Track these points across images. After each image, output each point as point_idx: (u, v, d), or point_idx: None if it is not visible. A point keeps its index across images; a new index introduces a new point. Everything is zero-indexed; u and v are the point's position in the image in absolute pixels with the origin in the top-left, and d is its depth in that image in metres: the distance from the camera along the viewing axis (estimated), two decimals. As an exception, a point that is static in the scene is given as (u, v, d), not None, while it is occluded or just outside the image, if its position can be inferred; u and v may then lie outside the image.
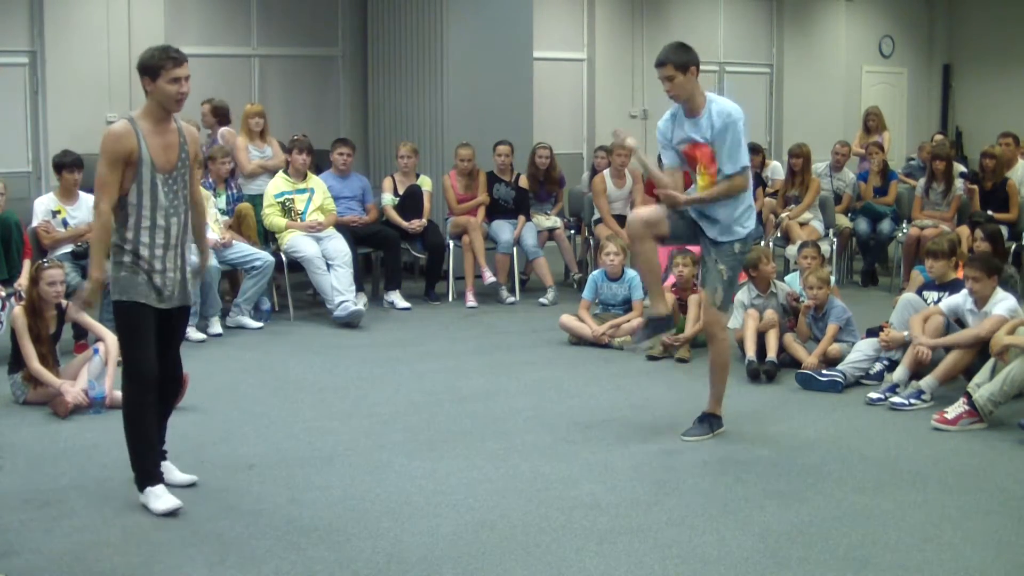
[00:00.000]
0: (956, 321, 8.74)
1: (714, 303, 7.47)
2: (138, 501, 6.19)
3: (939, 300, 9.05)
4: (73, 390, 8.04)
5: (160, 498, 6.10)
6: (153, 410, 6.28)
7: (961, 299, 8.69)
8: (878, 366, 8.94)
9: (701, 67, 7.36)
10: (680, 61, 7.20)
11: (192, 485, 6.48)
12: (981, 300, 8.49)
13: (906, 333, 8.80)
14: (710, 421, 7.63)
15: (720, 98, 7.40)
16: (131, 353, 6.17)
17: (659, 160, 7.98)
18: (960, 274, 9.63)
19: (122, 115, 12.63)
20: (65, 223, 10.49)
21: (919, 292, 9.43)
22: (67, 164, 10.55)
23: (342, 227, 12.03)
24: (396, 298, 12.32)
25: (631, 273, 10.72)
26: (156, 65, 6.04)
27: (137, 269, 6.08)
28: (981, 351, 8.27)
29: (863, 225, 13.78)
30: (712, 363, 7.69)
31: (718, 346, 7.59)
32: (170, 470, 6.49)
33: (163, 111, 6.13)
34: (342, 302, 11.24)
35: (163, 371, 6.29)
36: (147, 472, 6.21)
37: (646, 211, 7.62)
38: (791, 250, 12.00)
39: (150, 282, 6.11)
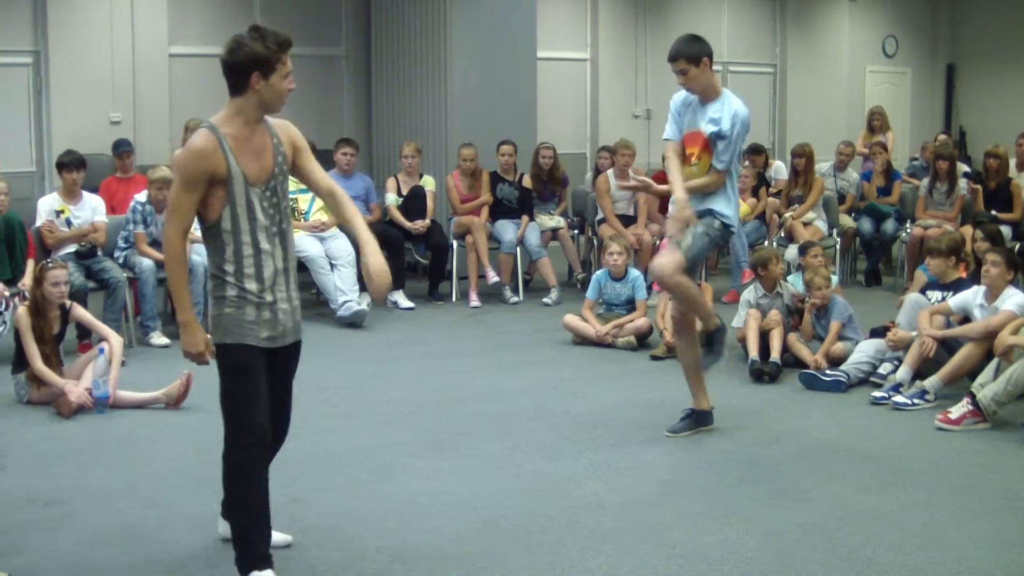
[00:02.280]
0: (961, 320, 8.74)
1: (679, 247, 7.25)
2: (140, 502, 6.19)
3: (943, 299, 9.05)
4: (77, 390, 8.05)
5: None
6: (265, 476, 5.29)
7: (971, 295, 8.68)
8: (888, 366, 8.91)
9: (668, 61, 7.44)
10: (692, 54, 7.25)
11: (287, 546, 5.60)
12: (993, 292, 8.47)
13: (914, 333, 8.78)
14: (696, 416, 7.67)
15: (735, 97, 7.42)
16: (239, 408, 5.11)
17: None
18: (964, 273, 9.64)
19: (191, 120, 12.66)
20: (69, 223, 10.50)
21: (923, 292, 9.43)
22: (69, 164, 10.56)
23: (345, 227, 12.02)
24: (400, 298, 12.32)
25: (635, 273, 10.73)
26: (271, 58, 5.11)
27: (244, 304, 5.08)
28: (986, 352, 8.26)
29: (867, 225, 13.78)
30: (688, 305, 7.54)
31: (686, 292, 7.39)
32: None
33: (260, 113, 5.13)
34: (345, 302, 11.24)
35: (279, 418, 5.45)
36: (256, 553, 5.15)
37: (669, 262, 7.31)
38: (791, 251, 11.99)
39: (259, 318, 5.12)
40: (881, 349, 9.05)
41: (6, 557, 5.33)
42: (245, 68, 5.04)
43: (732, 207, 7.41)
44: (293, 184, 11.77)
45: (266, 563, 5.12)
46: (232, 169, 4.97)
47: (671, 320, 7.78)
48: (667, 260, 7.27)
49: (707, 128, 7.27)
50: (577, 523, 5.98)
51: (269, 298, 5.13)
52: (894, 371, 8.80)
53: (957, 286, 9.15)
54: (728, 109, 7.27)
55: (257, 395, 5.13)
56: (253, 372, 5.12)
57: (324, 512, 6.14)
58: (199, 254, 10.70)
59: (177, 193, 4.97)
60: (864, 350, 9.09)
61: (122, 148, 12.46)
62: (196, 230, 10.66)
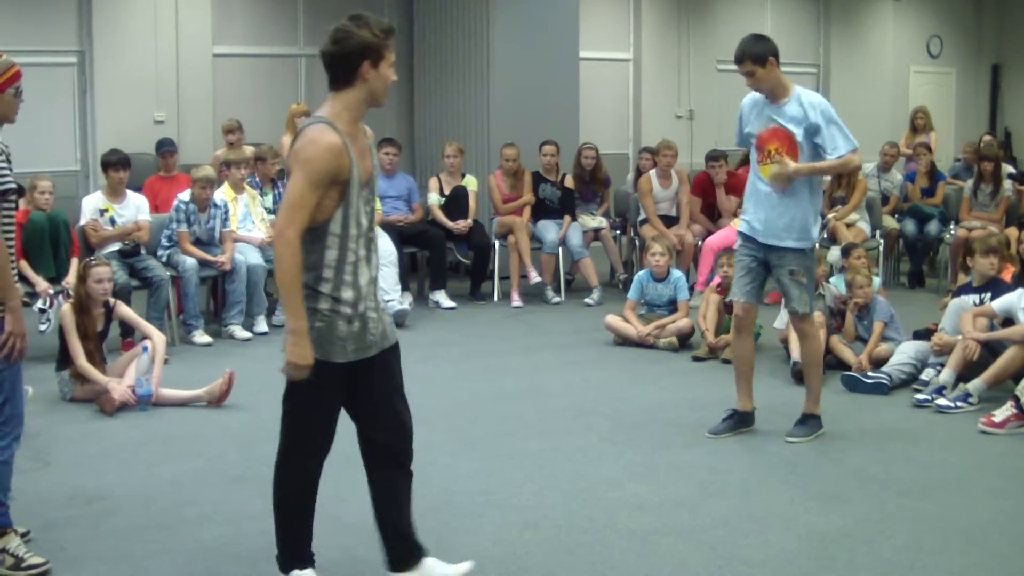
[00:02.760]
0: (1002, 323, 8.67)
1: (800, 310, 7.47)
2: (181, 500, 6.22)
3: (980, 302, 8.98)
4: (120, 387, 8.10)
5: None
6: (315, 482, 5.19)
7: (1015, 298, 8.61)
8: (931, 372, 8.84)
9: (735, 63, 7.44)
10: (757, 54, 7.28)
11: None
12: None
13: (959, 336, 8.72)
14: (810, 422, 7.63)
15: (807, 90, 7.47)
16: (301, 425, 5.07)
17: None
18: (1007, 275, 9.57)
19: (227, 121, 12.71)
20: (113, 221, 10.57)
21: (957, 295, 9.36)
22: (114, 163, 10.62)
23: (388, 226, 12.04)
24: (441, 297, 12.34)
25: (676, 274, 10.71)
26: (380, 46, 4.87)
27: (336, 318, 4.80)
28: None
29: (910, 226, 13.69)
30: (804, 361, 7.73)
31: (813, 344, 7.64)
32: (437, 566, 5.25)
33: (366, 107, 4.90)
34: (388, 301, 11.25)
35: (389, 434, 5.20)
36: (296, 553, 5.15)
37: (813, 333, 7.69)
38: (834, 252, 11.92)
39: (349, 332, 4.83)
40: (923, 351, 8.99)
41: (49, 553, 5.36)
42: (356, 57, 4.81)
43: (803, 226, 7.40)
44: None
45: (307, 563, 5.09)
46: (353, 170, 4.72)
47: (734, 317, 7.79)
48: (804, 322, 7.58)
49: (796, 131, 7.27)
50: (617, 524, 5.97)
51: (361, 308, 4.84)
52: (937, 376, 8.76)
53: (993, 287, 9.08)
54: (806, 101, 7.32)
55: (325, 414, 5.01)
56: (329, 390, 4.94)
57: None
58: (241, 253, 10.78)
59: (302, 190, 4.61)
60: (906, 351, 9.04)
61: (165, 148, 12.53)
62: (240, 229, 10.75)
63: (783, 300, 7.81)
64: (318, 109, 4.89)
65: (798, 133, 7.24)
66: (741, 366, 7.77)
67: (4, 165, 5.15)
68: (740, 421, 7.71)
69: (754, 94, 7.50)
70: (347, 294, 4.79)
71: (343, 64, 4.83)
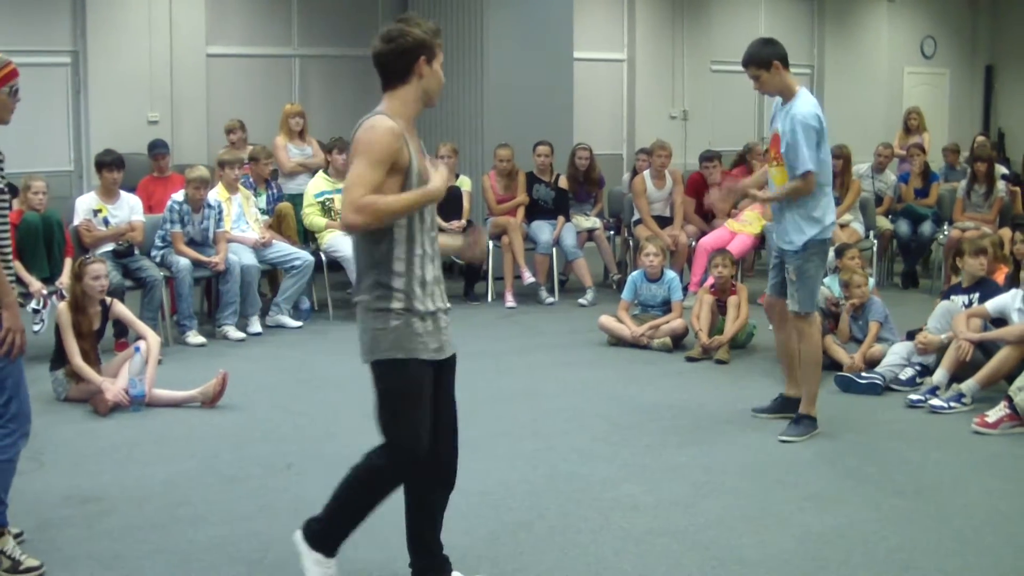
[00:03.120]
0: (995, 322, 8.69)
1: (794, 310, 7.53)
2: (176, 500, 6.22)
3: (969, 303, 9.01)
4: (114, 388, 8.09)
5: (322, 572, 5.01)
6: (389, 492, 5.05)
7: (1010, 299, 8.62)
8: (909, 371, 8.88)
9: (742, 67, 7.47)
10: (762, 58, 7.32)
11: None
12: None
13: (944, 336, 8.74)
14: (804, 422, 7.64)
15: (806, 97, 7.49)
16: (403, 425, 4.88)
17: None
18: (1000, 276, 9.58)
19: (230, 121, 12.73)
20: (106, 222, 10.55)
21: (947, 296, 9.38)
22: (108, 163, 10.61)
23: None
24: (435, 298, 12.31)
25: (670, 274, 10.72)
26: (433, 44, 4.92)
27: (411, 316, 4.74)
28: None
29: (904, 227, 13.71)
30: (802, 361, 7.73)
31: (808, 342, 7.63)
32: None
33: (421, 104, 4.99)
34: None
35: (443, 446, 5.12)
36: (335, 543, 5.07)
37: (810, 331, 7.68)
38: (831, 258, 11.92)
39: (425, 330, 4.79)
40: (912, 352, 9.01)
41: (43, 553, 5.35)
42: (412, 54, 4.86)
43: (793, 227, 7.45)
44: (330, 184, 11.91)
45: (333, 554, 5.02)
46: (412, 160, 4.75)
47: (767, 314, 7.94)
48: (799, 322, 7.61)
49: (779, 129, 7.40)
50: (612, 524, 5.97)
51: (431, 307, 4.80)
52: (914, 376, 8.78)
53: (982, 287, 9.10)
54: (793, 108, 7.37)
55: (426, 414, 4.89)
56: (425, 389, 4.86)
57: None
58: (235, 253, 10.77)
59: (363, 169, 4.61)
60: (898, 352, 9.04)
61: (157, 150, 12.51)
62: (233, 229, 10.72)
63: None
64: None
65: (782, 132, 7.35)
66: (779, 356, 8.12)
67: None
68: (785, 406, 7.93)
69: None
70: (419, 290, 4.75)
71: (399, 61, 4.88)
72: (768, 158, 7.63)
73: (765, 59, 7.30)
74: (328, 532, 5.02)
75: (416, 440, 4.85)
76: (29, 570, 5.22)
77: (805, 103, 7.40)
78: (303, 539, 5.01)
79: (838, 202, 13.18)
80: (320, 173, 12.10)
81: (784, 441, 7.45)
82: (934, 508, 6.25)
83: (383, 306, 4.71)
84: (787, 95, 7.42)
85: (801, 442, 7.45)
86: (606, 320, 10.67)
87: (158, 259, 10.59)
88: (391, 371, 4.79)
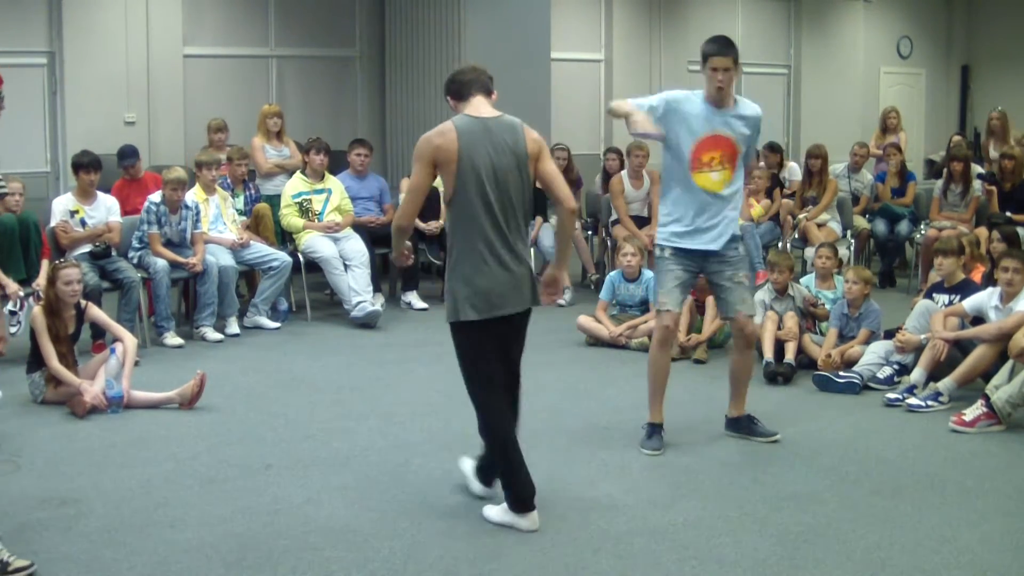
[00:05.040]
0: (972, 321, 8.73)
1: (751, 315, 7.50)
2: (154, 502, 6.22)
3: (949, 303, 9.04)
4: (92, 390, 8.06)
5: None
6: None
7: (986, 297, 8.66)
8: (887, 370, 8.91)
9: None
10: (737, 55, 7.25)
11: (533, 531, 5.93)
12: (1009, 293, 8.45)
13: (923, 336, 8.77)
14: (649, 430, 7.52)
15: (744, 98, 7.45)
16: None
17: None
18: (977, 275, 9.63)
19: (213, 120, 12.73)
20: (83, 223, 10.51)
21: (928, 294, 9.41)
22: (85, 164, 10.55)
23: (359, 227, 12.04)
24: (413, 299, 12.33)
25: (648, 274, 10.71)
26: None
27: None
28: (1000, 354, 8.24)
29: (881, 226, 13.75)
30: (743, 368, 7.70)
31: (746, 355, 7.61)
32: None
33: None
34: (359, 302, 11.25)
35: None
36: (519, 498, 5.92)
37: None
38: (810, 252, 11.97)
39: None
40: (889, 351, 9.04)
41: (20, 556, 5.33)
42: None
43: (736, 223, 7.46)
44: (308, 185, 11.91)
45: (528, 507, 5.89)
46: None
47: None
48: (755, 327, 7.64)
49: (741, 141, 7.30)
50: (590, 524, 5.98)
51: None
52: (892, 375, 8.82)
53: (963, 288, 9.14)
54: (747, 111, 7.34)
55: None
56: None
57: (337, 512, 6.14)
58: (213, 254, 10.75)
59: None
60: (876, 351, 9.07)
61: (126, 160, 11.96)
62: (211, 230, 10.71)
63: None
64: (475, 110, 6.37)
65: (742, 143, 7.27)
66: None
67: None
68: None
69: (690, 94, 7.33)
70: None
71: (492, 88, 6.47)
72: (697, 165, 7.26)
73: (737, 58, 7.26)
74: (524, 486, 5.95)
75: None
76: (19, 570, 5.20)
77: (754, 105, 7.41)
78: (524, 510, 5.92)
79: (815, 202, 13.27)
80: (298, 174, 12.07)
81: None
82: (911, 507, 6.27)
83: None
84: (730, 99, 7.27)
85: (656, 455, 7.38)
86: (584, 320, 10.67)
87: (135, 260, 10.55)
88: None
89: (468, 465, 6.43)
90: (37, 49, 13.83)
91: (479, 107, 6.16)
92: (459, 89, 6.32)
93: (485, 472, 6.29)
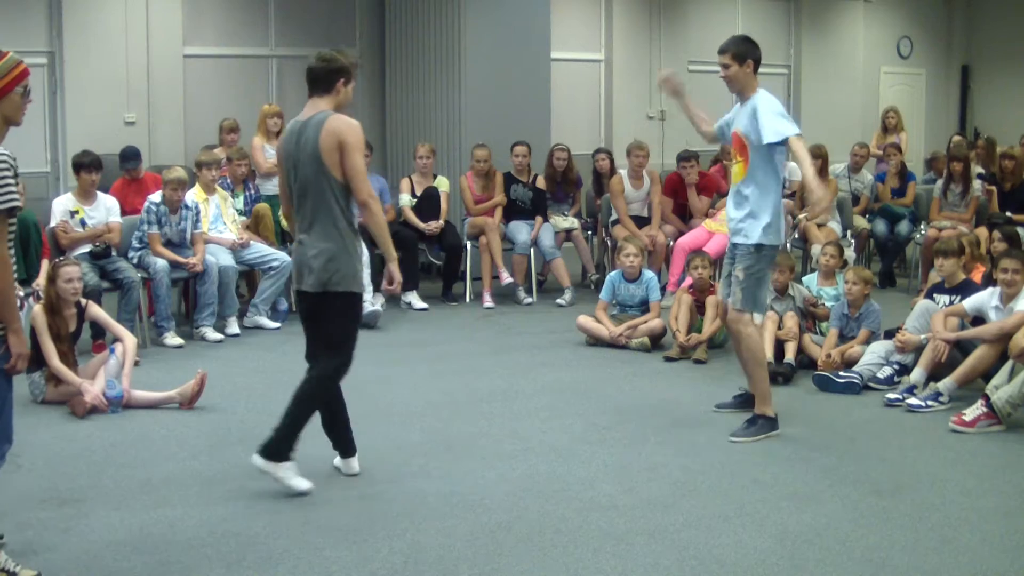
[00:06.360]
0: (972, 321, 8.73)
1: (733, 305, 7.55)
2: (154, 502, 6.22)
3: (950, 303, 9.04)
4: (92, 390, 8.06)
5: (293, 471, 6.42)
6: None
7: (987, 297, 8.66)
8: (887, 370, 8.91)
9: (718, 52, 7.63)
10: (740, 52, 7.46)
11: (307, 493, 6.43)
12: (1009, 296, 8.45)
13: (923, 336, 8.77)
14: (759, 422, 7.63)
15: (766, 93, 7.55)
16: (352, 345, 6.58)
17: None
18: (977, 275, 9.62)
19: (225, 120, 12.78)
20: (83, 223, 10.51)
21: (929, 295, 9.41)
22: (86, 164, 10.56)
23: (360, 228, 12.02)
24: (413, 299, 12.33)
25: (648, 274, 10.72)
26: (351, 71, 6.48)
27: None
28: (1000, 354, 8.24)
29: (881, 226, 13.76)
30: (743, 362, 7.76)
31: (744, 343, 7.64)
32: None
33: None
34: (359, 303, 11.24)
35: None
36: (291, 448, 6.40)
37: (734, 316, 7.67)
38: (817, 250, 11.97)
39: None
40: (890, 351, 9.03)
41: (21, 556, 5.33)
42: (336, 74, 6.42)
43: (760, 221, 7.46)
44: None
45: (291, 459, 6.38)
46: None
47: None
48: (732, 314, 7.65)
49: (747, 132, 7.44)
50: (590, 524, 5.97)
51: None
52: (892, 375, 8.82)
53: (964, 288, 9.14)
54: (752, 103, 7.46)
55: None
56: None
57: (337, 512, 6.15)
58: (213, 254, 10.75)
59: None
60: (876, 351, 9.07)
61: (129, 163, 12.03)
62: (211, 230, 10.71)
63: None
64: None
65: (748, 134, 7.42)
66: (737, 352, 8.00)
67: (10, 180, 5.00)
68: (745, 401, 8.01)
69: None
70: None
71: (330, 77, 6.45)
72: (731, 157, 7.74)
73: (742, 54, 7.46)
74: (288, 439, 6.36)
75: (351, 353, 6.58)
76: None
77: (766, 95, 7.52)
78: (266, 460, 6.31)
79: (815, 202, 13.24)
80: (298, 174, 12.05)
81: (733, 441, 7.49)
82: (911, 507, 6.27)
83: (354, 243, 6.55)
84: (747, 94, 7.52)
85: (753, 442, 7.48)
86: (584, 320, 10.67)
87: (135, 260, 10.55)
88: (354, 303, 6.57)
89: (275, 467, 6.38)
90: (37, 49, 13.82)
91: (307, 110, 6.47)
92: (308, 89, 6.57)
93: (277, 452, 6.39)
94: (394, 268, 6.63)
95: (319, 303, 6.47)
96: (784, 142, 7.28)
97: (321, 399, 6.55)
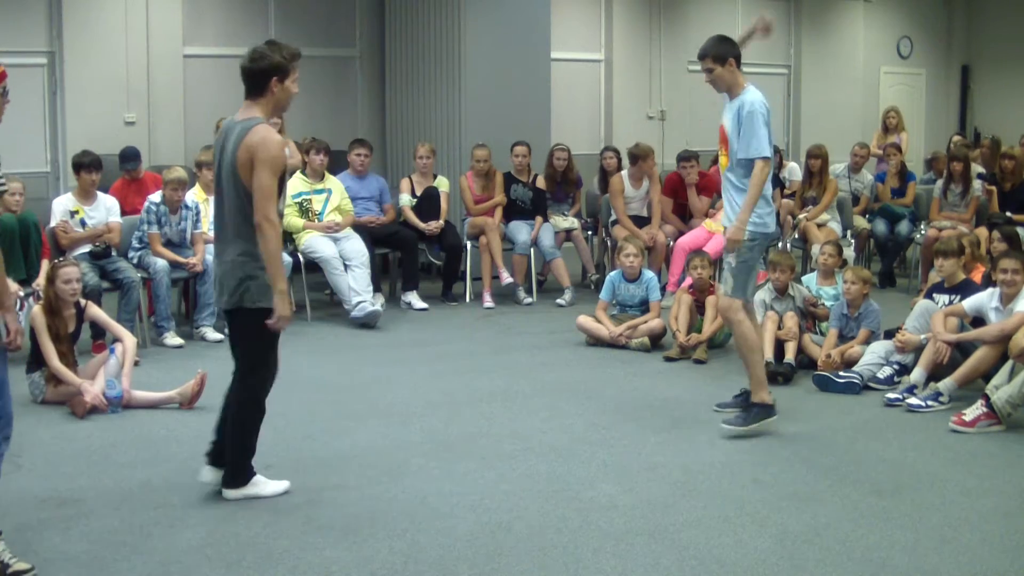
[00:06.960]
0: (972, 322, 8.73)
1: (725, 292, 7.66)
2: (154, 502, 6.22)
3: (950, 303, 9.04)
4: (92, 390, 8.06)
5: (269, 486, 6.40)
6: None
7: (986, 297, 8.66)
8: (887, 370, 8.91)
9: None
10: (718, 54, 7.53)
11: (285, 492, 6.44)
12: (1009, 296, 8.45)
13: (923, 336, 8.77)
14: (755, 410, 7.66)
15: (754, 90, 7.61)
16: (270, 357, 6.32)
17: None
18: (977, 275, 9.62)
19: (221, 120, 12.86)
20: (83, 223, 10.51)
21: (929, 295, 9.41)
22: (86, 164, 10.56)
23: (360, 228, 12.04)
24: (413, 299, 12.32)
25: (648, 274, 10.72)
26: (288, 66, 6.23)
27: (264, 274, 6.07)
28: (1000, 354, 8.23)
29: (881, 226, 13.75)
30: (737, 348, 7.84)
31: (736, 329, 7.70)
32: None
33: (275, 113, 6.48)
34: (359, 302, 11.24)
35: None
36: (250, 467, 6.39)
37: (726, 303, 7.77)
38: (816, 249, 11.97)
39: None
40: (890, 351, 9.03)
41: (21, 556, 5.33)
42: (266, 74, 6.14)
43: (766, 217, 7.54)
44: (308, 185, 11.91)
45: (254, 473, 6.37)
46: (287, 162, 6.02)
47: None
48: (724, 301, 7.73)
49: (730, 127, 7.56)
50: (590, 524, 5.97)
51: None
52: (892, 375, 8.82)
53: (964, 288, 9.14)
54: (742, 100, 7.52)
55: (276, 349, 6.34)
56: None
57: (337, 512, 6.14)
58: (212, 254, 10.75)
59: (271, 180, 5.92)
60: (876, 351, 9.07)
61: (129, 164, 12.06)
62: (210, 230, 10.74)
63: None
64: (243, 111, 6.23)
65: (730, 129, 7.54)
66: (739, 352, 8.01)
67: None
68: (747, 401, 7.94)
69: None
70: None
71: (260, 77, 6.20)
72: (720, 151, 7.81)
73: (722, 55, 7.54)
74: (240, 467, 6.33)
75: (271, 368, 6.36)
76: (19, 573, 5.18)
77: (753, 94, 7.57)
78: (233, 488, 6.29)
79: (815, 202, 13.27)
80: (298, 174, 12.05)
81: (726, 426, 7.56)
82: (911, 507, 6.27)
83: (258, 265, 6.06)
84: (735, 91, 7.59)
85: (747, 431, 7.54)
86: (584, 320, 10.67)
87: (135, 260, 10.55)
88: (261, 317, 6.09)
89: (245, 491, 6.36)
90: (37, 49, 13.83)
91: (240, 112, 6.27)
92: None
93: (238, 478, 6.38)
94: (279, 302, 6.06)
95: (233, 320, 6.32)
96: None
97: (256, 417, 6.36)
